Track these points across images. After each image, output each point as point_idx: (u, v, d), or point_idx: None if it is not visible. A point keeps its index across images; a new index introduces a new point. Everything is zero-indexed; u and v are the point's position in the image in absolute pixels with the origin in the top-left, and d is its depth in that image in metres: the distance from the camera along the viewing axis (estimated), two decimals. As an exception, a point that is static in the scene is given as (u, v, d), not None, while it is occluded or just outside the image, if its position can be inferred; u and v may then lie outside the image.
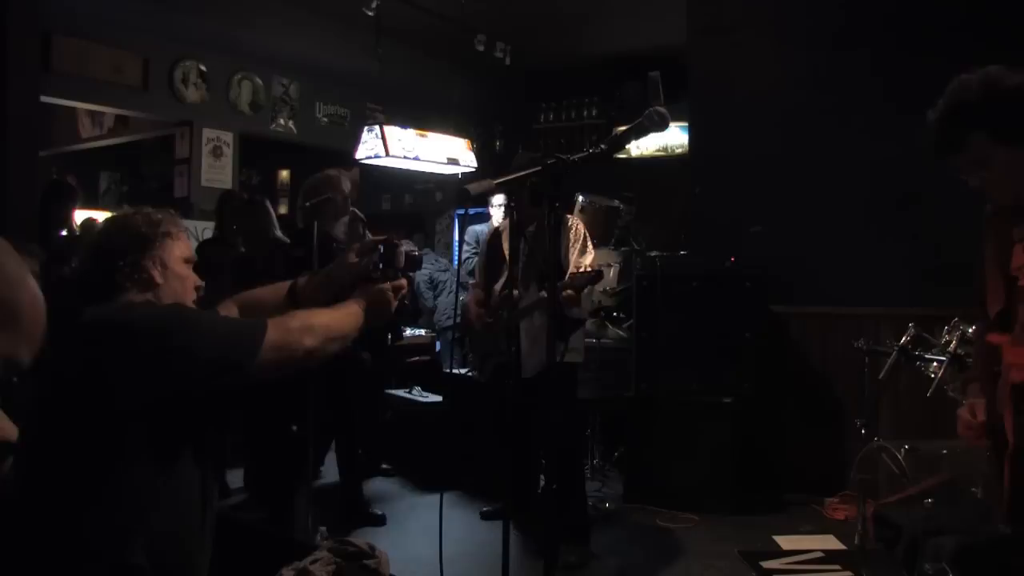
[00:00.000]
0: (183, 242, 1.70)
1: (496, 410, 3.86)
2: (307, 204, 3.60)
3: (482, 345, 3.79)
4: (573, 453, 3.72)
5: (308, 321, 1.63)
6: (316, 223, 3.42)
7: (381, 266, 1.85)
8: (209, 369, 1.47)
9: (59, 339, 1.51)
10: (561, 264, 3.52)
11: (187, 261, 1.70)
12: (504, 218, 4.71)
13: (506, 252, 3.68)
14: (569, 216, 3.82)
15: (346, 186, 3.83)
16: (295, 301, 1.90)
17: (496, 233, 3.94)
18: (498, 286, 3.68)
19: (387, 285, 1.82)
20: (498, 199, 5.27)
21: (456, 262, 6.62)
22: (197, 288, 1.72)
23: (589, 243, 3.62)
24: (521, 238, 3.52)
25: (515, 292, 3.41)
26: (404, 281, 1.87)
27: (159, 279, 1.62)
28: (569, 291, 3.27)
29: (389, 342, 4.98)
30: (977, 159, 1.69)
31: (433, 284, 6.80)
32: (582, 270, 3.30)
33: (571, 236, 3.58)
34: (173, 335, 1.46)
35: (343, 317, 1.71)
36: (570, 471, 3.62)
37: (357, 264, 1.89)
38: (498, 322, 3.57)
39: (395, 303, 1.83)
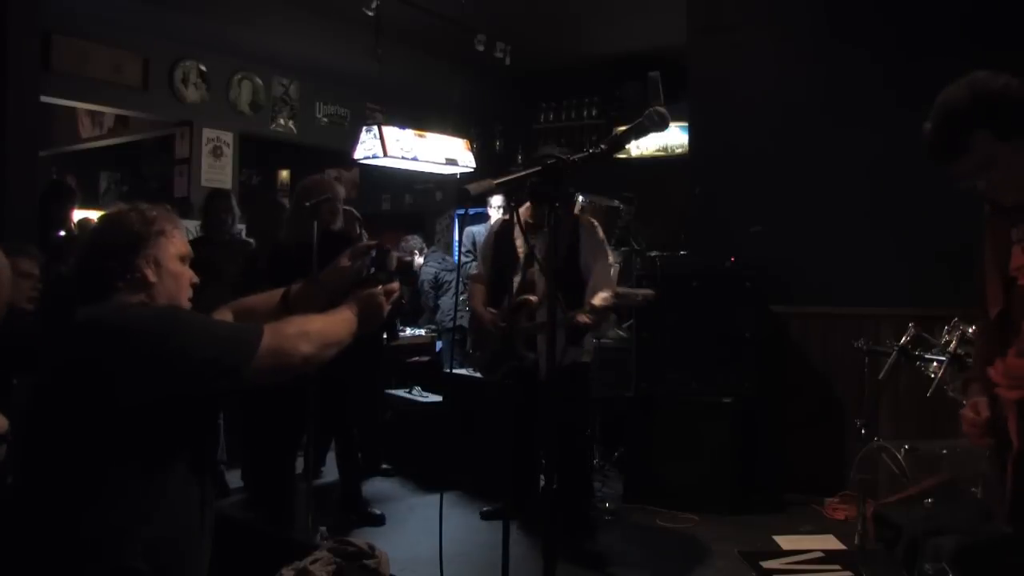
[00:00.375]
0: (178, 239, 1.68)
1: (507, 411, 3.82)
2: (306, 204, 3.59)
3: (492, 347, 3.74)
4: (583, 451, 3.71)
5: (304, 327, 1.62)
6: (316, 223, 3.41)
7: (373, 269, 1.86)
8: (205, 373, 1.47)
9: (54, 339, 1.51)
10: (580, 267, 3.51)
11: (182, 259, 1.68)
12: (504, 215, 4.68)
13: (519, 250, 3.64)
14: (585, 216, 3.79)
15: (340, 191, 3.78)
16: (287, 308, 1.90)
17: (504, 225, 3.87)
18: (514, 283, 3.62)
19: (379, 289, 1.82)
20: (497, 200, 5.25)
21: (457, 261, 6.61)
22: (193, 285, 1.71)
23: (607, 245, 3.61)
24: (534, 240, 3.49)
25: (533, 298, 3.40)
26: (396, 284, 1.88)
27: (152, 278, 1.60)
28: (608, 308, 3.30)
29: (385, 342, 4.98)
30: (982, 159, 1.69)
31: (438, 284, 6.80)
32: (625, 291, 3.32)
33: (592, 241, 3.55)
34: (168, 338, 1.46)
35: (338, 323, 1.71)
36: (580, 468, 3.62)
37: (350, 267, 1.90)
38: (514, 328, 3.51)
39: (387, 307, 1.84)
